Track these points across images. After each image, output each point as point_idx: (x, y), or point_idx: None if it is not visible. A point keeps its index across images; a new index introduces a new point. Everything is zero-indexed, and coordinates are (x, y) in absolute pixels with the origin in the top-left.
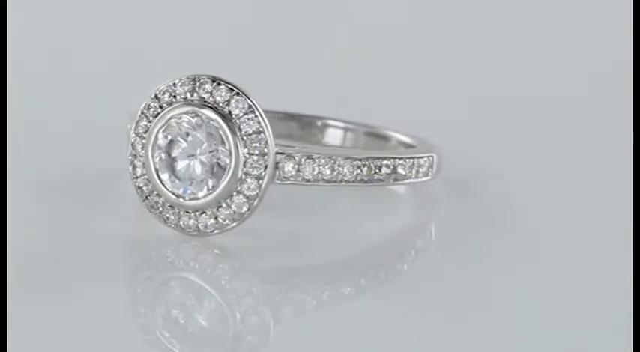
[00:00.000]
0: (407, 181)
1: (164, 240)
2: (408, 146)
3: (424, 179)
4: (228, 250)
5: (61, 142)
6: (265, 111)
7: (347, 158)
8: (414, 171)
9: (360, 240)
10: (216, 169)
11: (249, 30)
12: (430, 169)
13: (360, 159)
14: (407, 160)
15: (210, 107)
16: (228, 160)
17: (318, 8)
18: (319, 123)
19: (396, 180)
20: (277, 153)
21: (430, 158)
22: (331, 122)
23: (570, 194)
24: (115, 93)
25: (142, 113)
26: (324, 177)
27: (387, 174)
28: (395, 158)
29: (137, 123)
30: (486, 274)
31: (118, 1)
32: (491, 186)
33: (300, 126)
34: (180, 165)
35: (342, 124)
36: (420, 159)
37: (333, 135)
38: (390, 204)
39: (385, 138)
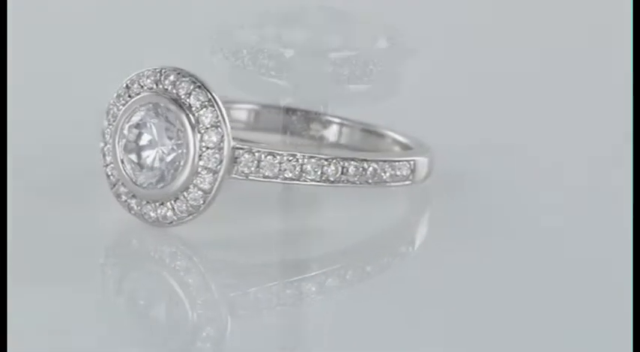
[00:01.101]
0: (381, 185)
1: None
2: (403, 146)
3: (402, 183)
4: (194, 242)
5: (61, 142)
6: (263, 106)
7: (311, 157)
8: (387, 175)
9: (339, 239)
10: (175, 161)
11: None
12: (411, 174)
13: (326, 159)
14: (380, 163)
15: (172, 99)
16: (185, 152)
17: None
18: (317, 118)
19: (366, 182)
20: (236, 147)
21: (411, 163)
22: (328, 118)
23: (570, 194)
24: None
25: (114, 102)
26: (286, 175)
27: (356, 175)
28: (366, 160)
29: (108, 112)
30: (480, 274)
31: (118, 1)
32: (490, 186)
33: (297, 121)
34: (144, 155)
35: (337, 120)
36: (398, 163)
37: (329, 131)
38: (383, 203)
39: (381, 136)
